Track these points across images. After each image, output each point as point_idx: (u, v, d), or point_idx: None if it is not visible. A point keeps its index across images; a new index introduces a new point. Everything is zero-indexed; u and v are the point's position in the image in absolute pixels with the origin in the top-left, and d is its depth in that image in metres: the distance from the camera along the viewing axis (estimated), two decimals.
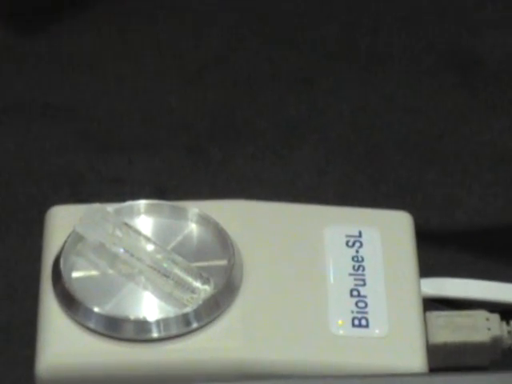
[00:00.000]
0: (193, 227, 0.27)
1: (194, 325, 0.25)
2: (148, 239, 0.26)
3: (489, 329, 0.25)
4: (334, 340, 0.25)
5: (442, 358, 0.25)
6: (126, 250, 0.26)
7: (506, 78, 0.36)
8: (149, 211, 0.27)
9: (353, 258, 0.26)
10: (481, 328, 0.25)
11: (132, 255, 0.26)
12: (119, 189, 0.31)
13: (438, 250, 0.31)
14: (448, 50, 0.37)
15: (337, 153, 0.34)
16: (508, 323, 0.26)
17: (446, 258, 0.31)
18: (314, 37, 0.38)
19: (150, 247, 0.26)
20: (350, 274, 0.26)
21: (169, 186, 0.31)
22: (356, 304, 0.25)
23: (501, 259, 0.31)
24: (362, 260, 0.26)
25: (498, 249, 0.31)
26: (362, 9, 0.39)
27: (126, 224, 0.26)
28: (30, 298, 0.27)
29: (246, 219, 0.27)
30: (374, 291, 0.26)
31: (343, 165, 0.33)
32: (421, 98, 0.36)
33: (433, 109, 0.36)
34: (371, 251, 0.27)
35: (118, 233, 0.26)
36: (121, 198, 0.27)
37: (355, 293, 0.26)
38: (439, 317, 0.26)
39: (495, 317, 0.26)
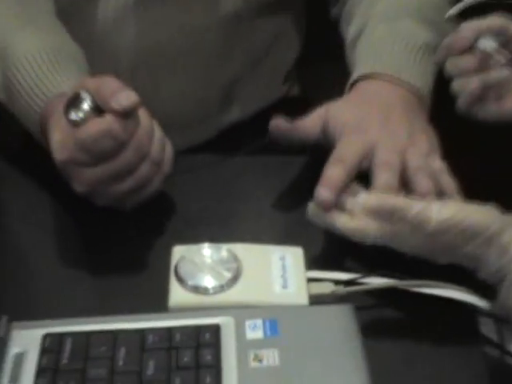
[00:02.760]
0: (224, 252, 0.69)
1: (226, 288, 0.66)
2: (210, 258, 0.69)
3: None
4: (275, 293, 0.66)
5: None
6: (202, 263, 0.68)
7: None
8: (210, 248, 0.70)
9: (281, 263, 0.69)
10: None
11: (206, 264, 0.68)
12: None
13: None
14: None
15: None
16: None
17: None
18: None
19: (210, 260, 0.69)
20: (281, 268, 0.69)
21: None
22: (282, 277, 0.67)
23: None
24: (284, 261, 0.69)
25: None
26: None
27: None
28: (160, 284, 0.68)
29: (244, 248, 0.69)
30: (291, 273, 0.68)
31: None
32: None
33: None
34: (290, 263, 0.69)
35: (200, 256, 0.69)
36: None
37: (282, 272, 0.67)
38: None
39: None
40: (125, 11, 0.93)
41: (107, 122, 0.68)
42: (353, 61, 0.85)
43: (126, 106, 0.69)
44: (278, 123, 0.76)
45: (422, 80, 0.80)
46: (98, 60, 0.90)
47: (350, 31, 0.90)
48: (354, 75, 0.82)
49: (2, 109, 0.84)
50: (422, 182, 0.71)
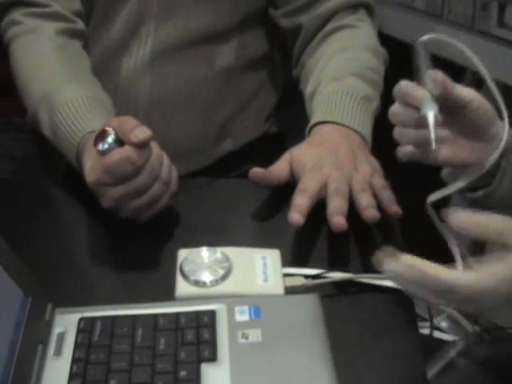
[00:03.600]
0: (218, 254, 0.76)
1: (220, 282, 0.74)
2: (208, 258, 0.74)
3: None
4: (258, 285, 0.73)
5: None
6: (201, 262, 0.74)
7: None
8: (208, 251, 0.76)
9: (263, 262, 0.74)
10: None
11: (204, 263, 0.73)
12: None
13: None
14: None
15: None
16: None
17: None
18: None
19: (207, 260, 0.74)
20: (262, 266, 0.74)
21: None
22: (263, 273, 0.73)
23: None
24: (265, 260, 0.74)
25: None
26: None
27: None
28: (169, 279, 0.73)
29: (234, 251, 0.77)
30: (270, 270, 0.74)
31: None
32: None
33: None
34: (269, 262, 0.75)
35: (200, 257, 0.73)
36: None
37: (264, 269, 0.73)
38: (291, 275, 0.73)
39: None
40: (142, 67, 1.02)
41: (127, 151, 0.76)
42: (310, 111, 0.96)
43: (141, 139, 0.75)
44: (256, 172, 0.84)
45: (364, 124, 0.89)
46: (121, 104, 0.98)
47: (307, 89, 0.99)
48: (312, 122, 0.92)
49: (49, 144, 0.92)
50: (363, 200, 0.79)
